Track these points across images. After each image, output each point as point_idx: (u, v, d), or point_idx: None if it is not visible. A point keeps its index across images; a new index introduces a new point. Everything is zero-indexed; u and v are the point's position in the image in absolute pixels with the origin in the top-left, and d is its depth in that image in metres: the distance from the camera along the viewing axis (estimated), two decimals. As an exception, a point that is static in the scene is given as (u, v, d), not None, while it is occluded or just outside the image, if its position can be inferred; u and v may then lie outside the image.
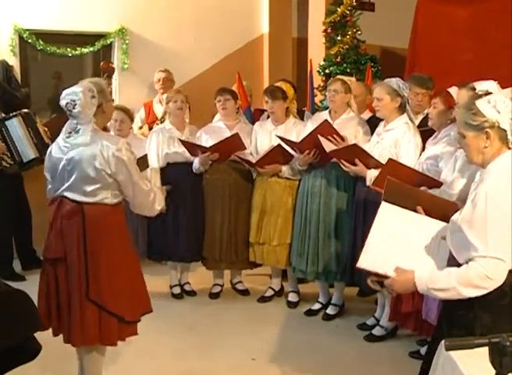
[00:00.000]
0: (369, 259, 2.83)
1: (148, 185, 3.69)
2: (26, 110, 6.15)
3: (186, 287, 5.87)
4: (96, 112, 3.54)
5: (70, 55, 7.17)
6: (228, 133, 5.43)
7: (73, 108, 3.49)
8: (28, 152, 5.98)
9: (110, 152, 3.48)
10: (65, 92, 3.55)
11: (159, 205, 3.79)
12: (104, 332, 3.55)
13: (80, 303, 3.51)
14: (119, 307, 3.57)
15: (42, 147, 5.90)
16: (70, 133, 3.56)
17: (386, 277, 2.74)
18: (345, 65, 6.92)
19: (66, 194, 3.57)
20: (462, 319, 2.55)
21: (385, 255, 2.80)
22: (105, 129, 5.80)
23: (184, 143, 5.38)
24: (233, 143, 5.30)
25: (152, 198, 3.70)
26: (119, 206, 3.65)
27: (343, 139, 4.81)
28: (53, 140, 3.80)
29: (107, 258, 3.54)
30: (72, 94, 3.50)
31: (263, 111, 6.08)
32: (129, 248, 3.71)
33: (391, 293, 2.82)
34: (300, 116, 5.69)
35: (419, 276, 2.60)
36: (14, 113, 6.02)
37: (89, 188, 3.51)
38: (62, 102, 3.54)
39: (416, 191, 3.33)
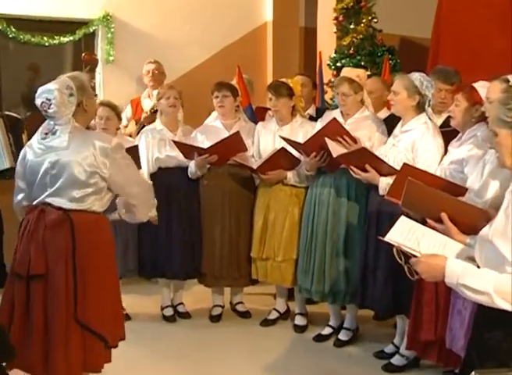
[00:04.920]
0: (397, 232, 2.87)
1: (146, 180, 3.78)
2: (13, 114, 6.15)
3: (180, 309, 5.85)
4: (76, 111, 3.57)
5: (47, 44, 7.18)
6: (226, 134, 5.44)
7: (49, 108, 3.52)
8: (3, 160, 5.89)
9: (104, 153, 3.53)
10: (40, 90, 3.58)
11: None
12: (89, 357, 3.55)
13: (65, 326, 3.48)
14: (105, 329, 3.59)
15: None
16: (47, 134, 3.59)
17: (413, 256, 2.74)
18: (359, 57, 6.95)
19: (50, 200, 3.56)
20: (495, 350, 2.51)
21: (415, 234, 2.85)
22: (89, 128, 5.81)
23: (178, 144, 5.37)
24: (233, 143, 5.29)
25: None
26: (104, 216, 3.71)
27: (355, 141, 4.79)
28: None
29: (95, 275, 3.57)
30: (48, 93, 3.53)
31: (266, 109, 6.08)
32: (114, 263, 3.77)
33: (412, 276, 2.79)
34: (320, 114, 5.67)
35: (452, 265, 2.56)
36: None
37: (78, 194, 3.54)
38: (37, 101, 3.56)
39: (440, 194, 3.29)
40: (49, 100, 3.51)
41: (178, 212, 5.54)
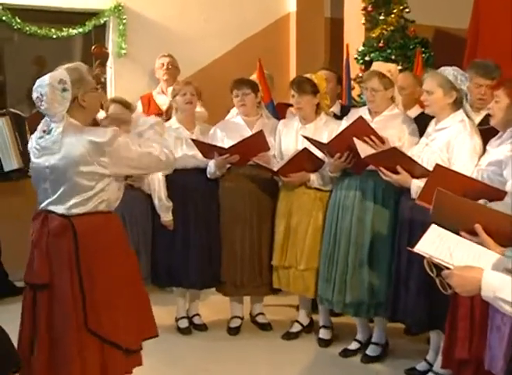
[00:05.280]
0: (428, 243, 2.84)
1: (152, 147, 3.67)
2: (17, 111, 6.15)
3: (196, 320, 5.85)
4: (72, 107, 3.52)
5: (55, 36, 7.22)
6: (248, 131, 5.45)
7: (41, 104, 3.50)
8: (11, 161, 5.94)
9: (99, 150, 3.45)
10: (37, 82, 3.54)
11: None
12: (109, 369, 3.57)
13: (78, 338, 3.49)
14: (121, 335, 3.60)
15: (27, 158, 5.86)
16: (44, 132, 3.58)
17: (446, 268, 2.70)
18: (389, 50, 6.95)
19: (53, 208, 3.57)
20: None
21: (448, 243, 2.81)
22: (97, 124, 5.79)
23: (197, 143, 5.36)
24: (256, 143, 5.27)
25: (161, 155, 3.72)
26: (114, 214, 3.70)
27: (383, 141, 4.75)
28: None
29: (105, 279, 3.57)
30: (41, 87, 3.49)
31: (288, 105, 6.06)
32: (129, 261, 3.74)
33: (445, 290, 2.74)
34: (345, 112, 5.65)
35: (488, 277, 2.50)
36: (1, 112, 6.02)
37: (79, 199, 3.52)
38: (33, 95, 3.54)
39: (473, 205, 3.25)
40: (42, 95, 3.48)
41: (195, 215, 5.53)
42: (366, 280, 5.00)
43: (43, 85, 3.48)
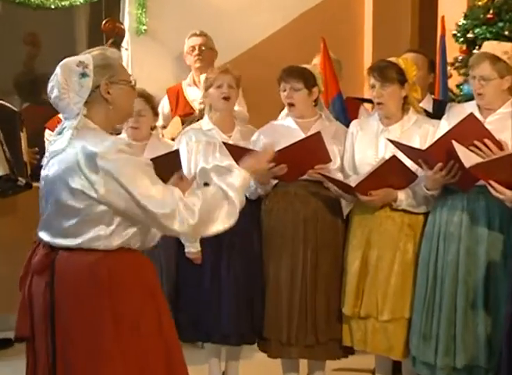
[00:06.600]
0: None
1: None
2: (6, 104, 6.17)
3: (236, 385, 5.81)
4: (92, 100, 3.43)
5: (53, 7, 7.29)
6: (302, 136, 5.32)
7: (51, 93, 3.45)
8: None
9: (91, 162, 3.29)
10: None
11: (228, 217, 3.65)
12: None
13: None
14: None
15: (16, 164, 5.89)
16: (59, 134, 3.51)
17: None
18: (501, 24, 6.87)
19: (41, 234, 3.49)
20: None
21: None
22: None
23: (230, 147, 5.13)
24: (312, 149, 5.17)
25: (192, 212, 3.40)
26: (126, 252, 3.47)
27: (500, 147, 4.58)
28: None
29: (85, 343, 3.37)
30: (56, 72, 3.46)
31: (361, 101, 6.00)
32: (146, 332, 3.47)
33: None
34: (440, 109, 5.52)
35: None
36: None
37: (67, 223, 3.39)
38: (48, 86, 3.49)
39: None
40: (53, 82, 3.46)
41: (229, 251, 5.48)
42: (483, 333, 4.84)
43: (57, 68, 3.44)
